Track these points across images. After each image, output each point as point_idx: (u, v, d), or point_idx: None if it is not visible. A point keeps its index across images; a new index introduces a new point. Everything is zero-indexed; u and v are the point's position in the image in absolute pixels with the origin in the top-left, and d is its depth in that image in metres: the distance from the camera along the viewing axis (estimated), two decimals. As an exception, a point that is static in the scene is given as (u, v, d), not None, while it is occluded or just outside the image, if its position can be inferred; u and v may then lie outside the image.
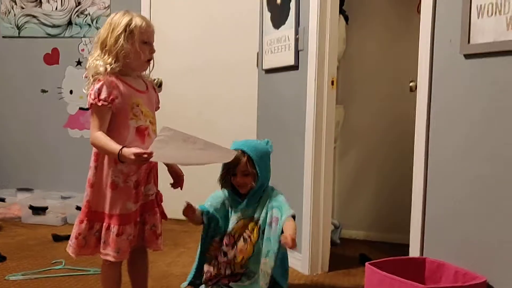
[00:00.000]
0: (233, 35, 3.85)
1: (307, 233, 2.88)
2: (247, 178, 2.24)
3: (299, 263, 2.90)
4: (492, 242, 1.89)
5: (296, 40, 2.87)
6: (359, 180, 3.66)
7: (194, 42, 3.98)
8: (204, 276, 2.34)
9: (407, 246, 2.29)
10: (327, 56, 2.82)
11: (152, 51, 2.00)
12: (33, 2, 4.29)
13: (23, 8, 4.31)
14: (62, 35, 4.26)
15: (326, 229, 2.95)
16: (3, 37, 4.37)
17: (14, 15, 4.32)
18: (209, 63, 3.93)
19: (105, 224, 1.93)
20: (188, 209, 2.21)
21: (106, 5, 4.15)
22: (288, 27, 2.94)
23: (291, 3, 2.91)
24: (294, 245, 2.04)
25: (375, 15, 3.58)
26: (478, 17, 1.92)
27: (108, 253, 1.92)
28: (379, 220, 3.58)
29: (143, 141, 1.94)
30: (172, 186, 2.12)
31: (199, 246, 2.35)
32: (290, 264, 2.93)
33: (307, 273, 2.85)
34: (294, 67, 2.93)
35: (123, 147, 1.82)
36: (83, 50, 4.22)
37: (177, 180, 2.13)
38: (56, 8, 4.24)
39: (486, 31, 1.89)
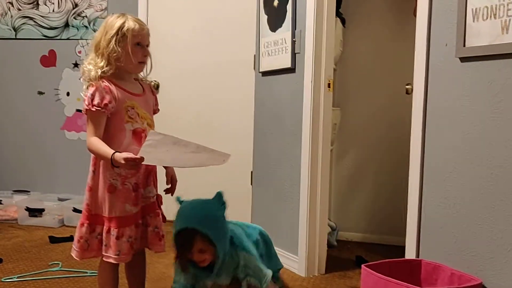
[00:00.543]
0: (231, 36, 3.85)
1: (303, 235, 2.88)
2: (205, 255, 1.95)
3: (296, 265, 2.91)
4: (488, 244, 1.90)
5: (293, 42, 2.88)
6: (355, 182, 3.67)
7: (191, 44, 3.98)
8: None
9: (403, 248, 2.30)
10: (323, 58, 2.83)
11: (145, 53, 2.00)
12: (30, 4, 4.28)
13: (20, 9, 4.30)
14: (59, 37, 4.25)
15: (323, 231, 2.95)
16: (0, 39, 4.37)
17: (11, 16, 4.32)
18: (207, 65, 3.93)
19: (105, 227, 1.94)
20: None
21: (103, 7, 4.15)
22: (285, 29, 2.95)
23: (287, 6, 2.92)
24: None
25: (372, 18, 3.59)
26: (474, 21, 1.93)
27: (110, 256, 1.93)
28: (376, 222, 3.59)
29: (140, 143, 1.93)
30: (164, 191, 2.12)
31: None
32: (286, 266, 2.95)
33: (304, 275, 2.86)
34: (291, 70, 2.94)
35: (115, 152, 1.82)
36: (80, 52, 4.22)
37: (171, 185, 2.14)
38: (53, 10, 4.24)
39: (482, 34, 1.90)
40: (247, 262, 2.05)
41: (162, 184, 2.14)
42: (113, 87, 1.92)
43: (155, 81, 3.96)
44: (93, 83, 1.90)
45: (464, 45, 1.98)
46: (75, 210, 3.83)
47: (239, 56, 3.80)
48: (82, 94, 1.98)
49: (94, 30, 4.14)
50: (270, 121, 3.20)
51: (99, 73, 1.90)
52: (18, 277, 2.69)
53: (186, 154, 1.88)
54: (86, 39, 4.18)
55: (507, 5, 1.81)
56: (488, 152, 1.90)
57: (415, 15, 2.28)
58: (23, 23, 4.31)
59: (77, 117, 4.27)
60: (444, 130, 2.10)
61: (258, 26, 3.25)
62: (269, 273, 2.06)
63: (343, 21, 3.49)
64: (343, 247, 3.45)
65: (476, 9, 1.92)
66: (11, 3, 4.32)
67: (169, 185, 2.13)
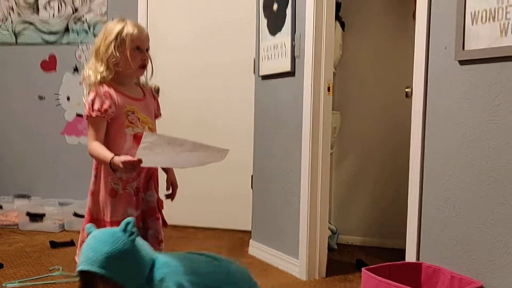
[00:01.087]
0: (230, 39, 3.87)
1: (304, 238, 2.89)
2: None
3: (297, 268, 2.91)
4: (488, 248, 1.90)
5: (293, 46, 2.89)
6: (356, 186, 3.67)
7: (191, 46, 3.99)
8: None
9: (404, 251, 2.30)
10: (323, 62, 2.84)
11: (144, 57, 2.00)
12: (30, 9, 4.30)
13: (20, 15, 4.32)
14: (59, 41, 4.27)
15: (323, 235, 2.96)
16: (0, 44, 4.38)
17: (11, 22, 4.33)
18: (207, 67, 3.94)
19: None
20: None
21: (103, 12, 4.16)
22: (285, 33, 2.96)
23: (287, 10, 2.93)
24: None
25: (371, 21, 3.60)
26: (472, 24, 1.94)
27: None
28: (376, 225, 3.59)
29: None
30: (165, 196, 2.12)
31: None
32: (287, 270, 2.95)
33: (305, 279, 2.86)
34: (291, 74, 2.94)
35: (114, 156, 1.82)
36: (80, 56, 4.23)
37: (171, 191, 2.14)
38: (53, 15, 4.26)
39: (481, 37, 1.91)
40: None
41: (163, 188, 2.14)
42: (113, 92, 1.93)
43: (156, 85, 3.96)
44: (93, 89, 1.92)
45: (463, 48, 1.98)
46: (75, 214, 3.83)
47: (239, 58, 3.81)
48: (83, 99, 1.99)
49: (94, 35, 4.15)
50: (270, 125, 3.21)
51: (99, 79, 1.91)
52: (19, 282, 2.69)
53: (182, 154, 1.85)
54: (86, 44, 4.20)
55: (506, 8, 1.82)
56: (488, 155, 1.90)
57: (414, 19, 2.29)
58: (24, 28, 4.32)
59: (77, 121, 4.28)
60: (444, 133, 2.10)
61: (258, 30, 3.26)
62: None
63: (342, 25, 3.50)
64: (344, 250, 3.45)
65: (475, 12, 1.92)
66: (12, 8, 4.33)
67: (170, 191, 2.13)
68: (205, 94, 3.96)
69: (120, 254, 1.59)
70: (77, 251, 2.00)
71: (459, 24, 1.99)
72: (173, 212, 3.86)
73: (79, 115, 4.25)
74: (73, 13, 4.22)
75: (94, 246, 1.60)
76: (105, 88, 1.92)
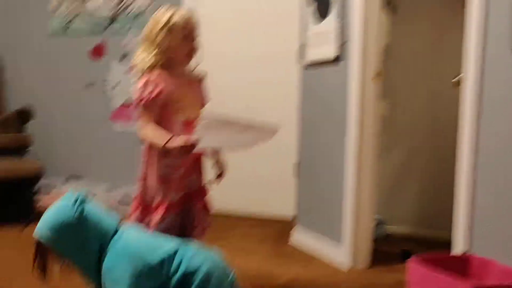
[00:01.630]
0: (276, 26, 3.84)
1: (348, 227, 2.86)
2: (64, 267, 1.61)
3: (340, 257, 2.88)
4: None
5: (340, 32, 2.84)
6: (403, 175, 3.59)
7: (237, 33, 4.00)
8: None
9: (451, 243, 2.24)
10: (371, 48, 2.78)
11: (193, 45, 2.04)
12: (79, -2, 4.40)
13: (70, 4, 4.42)
14: (107, 30, 4.35)
15: (368, 223, 2.91)
16: (52, 33, 4.50)
17: (63, 11, 4.44)
18: (253, 54, 3.94)
19: (152, 215, 1.99)
20: None
21: (150, 0, 4.20)
22: (332, 19, 2.90)
23: (334, -5, 2.87)
24: None
25: (421, 8, 3.49)
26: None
27: None
28: (424, 216, 3.51)
29: (190, 133, 1.97)
30: (212, 180, 2.12)
31: None
32: (330, 258, 2.93)
33: (348, 268, 2.83)
34: (337, 60, 2.90)
35: (170, 138, 1.87)
36: (127, 44, 4.30)
37: (219, 172, 2.14)
38: (102, 4, 4.33)
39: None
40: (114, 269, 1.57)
41: (207, 174, 2.16)
42: (163, 78, 1.96)
43: (203, 71, 3.99)
44: (145, 74, 1.96)
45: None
46: (122, 198, 3.92)
47: (284, 46, 3.76)
48: (133, 85, 2.04)
49: (141, 23, 4.20)
50: (315, 113, 3.17)
51: (151, 64, 1.96)
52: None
53: (235, 134, 1.88)
54: (133, 32, 4.25)
55: None
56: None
57: (465, 6, 2.21)
58: (74, 17, 4.42)
59: (124, 108, 4.36)
60: (497, 121, 2.03)
61: (304, 16, 3.22)
62: None
63: (393, 10, 3.40)
64: (390, 240, 3.39)
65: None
66: (62, -1, 4.44)
67: (216, 172, 2.12)
68: (250, 81, 3.95)
69: (63, 226, 1.54)
70: None
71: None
72: (217, 200, 3.91)
73: (125, 102, 4.33)
74: (121, 1, 4.28)
75: (46, 214, 1.58)
76: (156, 73, 1.95)
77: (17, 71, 4.59)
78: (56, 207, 1.58)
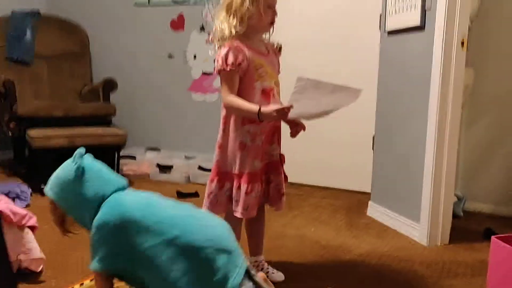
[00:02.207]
0: (358, 11, 3.72)
1: (426, 202, 2.75)
2: (67, 223, 1.66)
3: (417, 233, 2.80)
4: None
5: (424, -2, 2.69)
6: (488, 150, 3.39)
7: (316, 14, 3.90)
8: None
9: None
10: (457, 15, 2.61)
11: (274, 14, 2.01)
12: (161, -30, 4.48)
13: (153, -24, 4.52)
14: (187, 1, 4.41)
15: (448, 200, 2.79)
16: (135, 4, 4.64)
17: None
18: (329, 28, 3.84)
19: (235, 184, 2.01)
20: None
21: (229, -30, 4.20)
22: (415, -16, 2.76)
23: (419, -42, 2.72)
24: None
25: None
26: None
27: (238, 210, 2.01)
28: (508, 193, 3.31)
29: (268, 101, 1.98)
30: (291, 135, 2.05)
31: None
32: (407, 233, 2.84)
33: (425, 245, 2.74)
34: (420, 28, 2.76)
35: (261, 106, 1.87)
36: (206, 15, 4.34)
37: (297, 128, 2.05)
38: (182, -25, 4.39)
39: None
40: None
41: (285, 143, 2.15)
42: (244, 47, 1.95)
43: (278, 42, 3.95)
44: (226, 43, 1.95)
45: None
46: (200, 168, 4.02)
47: (364, 13, 3.66)
48: (210, 54, 2.05)
49: (220, -7, 4.22)
50: (395, 82, 3.06)
51: (233, 33, 1.94)
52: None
53: (324, 97, 1.86)
54: (212, 3, 4.28)
55: None
56: None
57: None
58: (155, -12, 4.52)
59: (203, 79, 4.43)
60: None
61: (386, -19, 3.08)
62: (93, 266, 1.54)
63: (481, -26, 3.18)
64: (471, 218, 3.24)
65: None
66: (145, -30, 4.55)
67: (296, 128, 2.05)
68: (327, 51, 3.86)
69: (63, 182, 1.59)
70: (204, 202, 2.07)
71: None
72: (292, 170, 3.90)
73: (204, 73, 4.40)
74: (200, -28, 4.32)
75: (53, 173, 1.63)
76: (236, 42, 1.94)
77: (101, 43, 4.79)
78: (61, 166, 1.62)
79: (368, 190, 3.41)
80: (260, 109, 1.87)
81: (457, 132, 2.76)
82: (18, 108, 3.84)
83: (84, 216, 1.57)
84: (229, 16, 1.96)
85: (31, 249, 2.13)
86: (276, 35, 2.14)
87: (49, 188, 1.62)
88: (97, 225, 1.52)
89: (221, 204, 2.05)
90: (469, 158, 3.43)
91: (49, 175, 1.64)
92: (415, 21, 2.77)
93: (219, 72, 1.96)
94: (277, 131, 2.09)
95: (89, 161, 1.61)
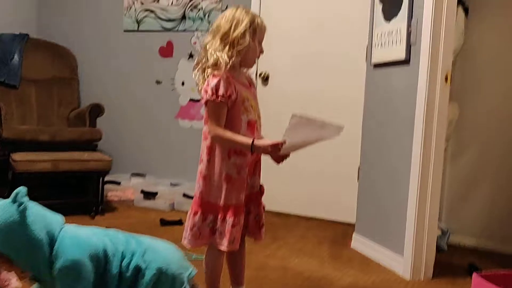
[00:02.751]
0: (342, 26, 3.78)
1: (411, 236, 2.74)
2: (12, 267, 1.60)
3: (401, 266, 2.78)
4: None
5: (409, 33, 2.73)
6: (472, 183, 3.41)
7: (302, 34, 3.95)
8: None
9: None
10: (441, 50, 2.65)
11: (262, 49, 2.03)
12: (151, -3, 4.52)
13: (142, 3, 4.55)
14: (176, 28, 4.44)
15: (431, 233, 2.79)
16: (124, 31, 4.66)
17: (135, 10, 4.59)
18: (316, 58, 3.89)
19: (220, 216, 1.97)
20: None
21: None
22: (400, 19, 2.81)
23: (404, -6, 2.77)
24: None
25: (498, 7, 3.30)
26: None
27: (223, 244, 1.96)
28: (492, 228, 3.32)
29: (253, 134, 1.98)
30: (277, 162, 2.04)
31: None
32: (390, 267, 2.83)
33: (408, 278, 2.72)
34: (405, 62, 2.79)
35: (253, 139, 1.87)
36: (195, 43, 4.37)
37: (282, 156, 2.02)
38: (172, 3, 4.43)
39: None
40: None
41: (271, 173, 2.14)
42: (231, 79, 1.94)
43: (265, 71, 3.99)
44: (216, 73, 1.91)
45: None
46: (185, 195, 3.99)
47: (350, 49, 3.71)
48: (195, 79, 2.01)
49: (209, 22, 4.27)
50: (380, 115, 3.08)
51: (229, 64, 1.91)
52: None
53: (313, 132, 1.88)
54: (201, 31, 4.32)
55: None
56: None
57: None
58: (145, 16, 4.55)
59: (190, 106, 4.44)
60: None
61: (372, 15, 3.13)
62: None
63: (466, 10, 3.24)
64: (455, 252, 3.23)
65: None
66: (135, -3, 4.59)
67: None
68: (314, 86, 3.90)
69: (5, 226, 1.46)
70: (185, 235, 2.02)
71: None
72: (278, 200, 3.91)
73: (192, 100, 4.41)
74: (190, 0, 4.36)
75: None
76: (227, 73, 1.92)
77: (90, 67, 4.79)
78: None
79: (353, 221, 3.40)
80: (253, 142, 1.87)
81: (441, 165, 2.77)
82: (3, 131, 3.81)
83: (37, 259, 1.49)
84: (225, 46, 1.93)
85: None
86: (265, 63, 2.15)
87: None
88: (68, 265, 1.48)
89: (204, 237, 2.01)
90: (453, 192, 3.45)
91: (32, 200, 1.57)
92: (400, 55, 2.81)
93: (207, 102, 1.92)
94: (258, 162, 2.08)
95: (28, 200, 1.51)
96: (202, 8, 4.32)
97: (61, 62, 4.64)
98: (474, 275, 1.90)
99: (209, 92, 1.89)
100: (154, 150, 4.61)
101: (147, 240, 1.72)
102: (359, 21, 3.47)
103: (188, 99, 4.45)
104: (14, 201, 1.47)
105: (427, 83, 2.66)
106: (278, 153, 1.89)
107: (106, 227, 3.31)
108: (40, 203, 1.59)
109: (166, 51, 4.51)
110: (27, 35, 4.58)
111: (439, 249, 2.96)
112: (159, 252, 1.67)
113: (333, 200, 3.85)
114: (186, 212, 3.97)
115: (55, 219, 1.58)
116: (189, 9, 4.37)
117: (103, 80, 4.78)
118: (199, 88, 2.00)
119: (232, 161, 1.96)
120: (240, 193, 1.98)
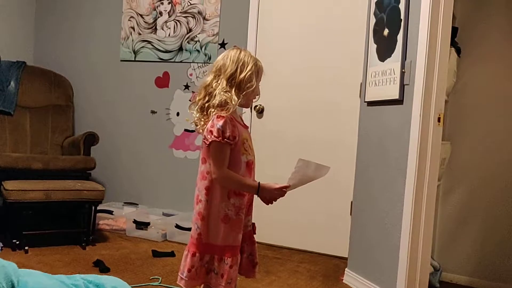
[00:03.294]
0: (338, 62, 3.84)
1: (403, 273, 2.75)
2: None
3: (394, 305, 2.78)
4: None
5: (402, 74, 2.79)
6: (464, 221, 3.44)
7: (296, 80, 4.01)
8: None
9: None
10: (434, 91, 2.70)
11: (259, 92, 2.07)
12: (149, 28, 4.58)
13: (140, 34, 4.61)
14: (173, 60, 4.49)
15: (424, 271, 2.80)
16: (121, 60, 4.71)
17: (132, 40, 4.65)
18: (311, 102, 3.95)
19: (217, 256, 1.97)
20: None
21: (215, 33, 4.32)
22: (394, 60, 2.87)
23: (398, 36, 2.84)
24: None
25: (489, 48, 3.38)
26: None
27: (220, 284, 1.95)
28: (485, 265, 3.33)
29: (250, 174, 2.01)
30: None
31: None
32: (383, 305, 2.82)
33: (402, 317, 2.72)
34: (399, 101, 2.84)
35: (259, 182, 1.93)
36: (191, 74, 4.42)
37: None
38: (169, 35, 4.50)
39: None
40: None
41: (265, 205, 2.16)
42: (234, 120, 1.96)
43: (260, 105, 4.04)
44: (222, 114, 1.91)
45: None
46: (177, 226, 3.98)
47: (345, 82, 3.78)
48: (194, 120, 2.03)
49: (205, 55, 4.32)
50: (374, 153, 3.12)
51: (236, 106, 1.94)
52: (122, 289, 2.83)
53: (310, 173, 1.97)
54: (197, 63, 4.38)
55: None
56: None
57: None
58: (142, 46, 4.61)
59: (185, 136, 4.46)
60: None
61: (366, 54, 3.20)
62: None
63: (458, 51, 3.32)
64: (447, 289, 3.25)
65: None
66: (133, 28, 4.65)
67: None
68: (309, 114, 3.95)
69: None
70: (181, 276, 1.99)
71: None
72: (271, 232, 3.91)
73: (186, 130, 4.44)
74: (187, 33, 4.43)
75: None
76: (230, 115, 1.93)
77: (85, 96, 4.82)
78: None
79: (344, 255, 3.41)
80: (259, 184, 1.92)
81: (433, 204, 2.80)
82: (-4, 159, 3.80)
83: None
84: (232, 88, 1.94)
85: None
86: (260, 99, 2.19)
87: None
88: None
89: (200, 277, 2.00)
90: (445, 228, 3.47)
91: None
92: (394, 94, 2.86)
93: (212, 143, 1.90)
94: (252, 202, 2.10)
95: None
96: (199, 40, 4.38)
97: (57, 90, 4.67)
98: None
99: (215, 133, 1.89)
100: (147, 179, 4.61)
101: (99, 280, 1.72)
102: (355, 56, 3.54)
103: (183, 130, 4.47)
104: None
105: (420, 123, 2.70)
106: (282, 196, 1.96)
107: (98, 258, 3.32)
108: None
109: (162, 81, 4.55)
110: (24, 62, 4.60)
111: (431, 286, 2.97)
112: None
113: (325, 233, 3.86)
114: (178, 243, 3.99)
115: (9, 265, 1.54)
116: (186, 41, 4.43)
117: (98, 108, 4.81)
118: (198, 128, 2.02)
119: (232, 202, 1.96)
120: (238, 234, 1.99)
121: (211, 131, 1.90)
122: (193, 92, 4.38)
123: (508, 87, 3.33)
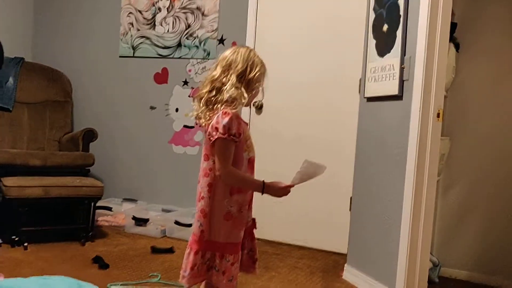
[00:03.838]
0: (337, 57, 3.84)
1: (402, 268, 2.75)
2: None
3: (393, 300, 2.79)
4: None
5: (401, 69, 2.79)
6: (463, 216, 3.44)
7: (297, 64, 4.01)
8: None
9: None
10: (433, 87, 2.70)
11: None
12: (148, 24, 4.57)
13: (138, 30, 4.60)
14: (171, 55, 4.48)
15: (423, 266, 2.80)
16: (120, 56, 4.70)
17: (131, 36, 4.64)
18: (312, 84, 3.95)
19: (218, 254, 1.95)
20: None
21: (214, 28, 4.31)
22: (393, 55, 2.87)
23: (397, 31, 2.83)
24: None
25: (488, 43, 3.38)
26: None
27: (222, 281, 1.93)
28: (484, 260, 3.34)
29: (252, 171, 2.00)
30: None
31: None
32: (383, 300, 2.83)
33: (401, 312, 2.73)
34: (398, 97, 2.84)
35: (263, 181, 1.91)
36: (190, 70, 4.41)
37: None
38: (168, 31, 4.49)
39: None
40: None
41: (265, 201, 2.16)
42: (239, 117, 1.94)
43: (260, 100, 4.03)
44: (228, 111, 1.87)
45: None
46: (176, 222, 3.98)
47: (345, 77, 3.77)
48: (197, 112, 2.01)
49: (204, 50, 4.32)
50: (373, 148, 3.12)
51: (245, 103, 1.94)
52: (121, 285, 2.83)
53: (311, 173, 1.96)
54: (196, 59, 4.37)
55: None
56: None
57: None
58: (141, 42, 4.60)
59: (184, 132, 4.46)
60: None
61: (366, 50, 3.19)
62: None
63: (457, 46, 3.32)
64: (446, 285, 3.25)
65: None
66: (132, 24, 4.63)
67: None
68: (308, 112, 3.95)
69: None
70: (183, 274, 1.97)
71: None
72: (270, 228, 3.91)
73: (186, 126, 4.43)
74: (186, 29, 4.42)
75: None
76: (236, 112, 1.90)
77: (84, 92, 4.81)
78: None
79: (344, 250, 3.41)
80: (264, 183, 1.90)
81: (433, 199, 2.80)
82: (-7, 155, 3.79)
83: None
84: (242, 85, 1.93)
85: None
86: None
87: None
88: None
89: (201, 274, 1.98)
90: (444, 223, 3.48)
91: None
92: (393, 90, 2.85)
93: (218, 139, 1.86)
94: (252, 198, 2.08)
95: None
96: (197, 36, 4.37)
97: (55, 86, 4.66)
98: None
99: (221, 130, 1.85)
100: (146, 175, 4.61)
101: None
102: (355, 51, 3.53)
103: (182, 125, 4.47)
104: None
105: (420, 118, 2.70)
106: (286, 195, 1.95)
107: (97, 255, 3.32)
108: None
109: (161, 77, 4.54)
110: (22, 58, 4.59)
111: (430, 281, 2.98)
112: None
113: (324, 229, 3.86)
114: (178, 239, 3.98)
115: None
116: (184, 37, 4.42)
117: (97, 104, 4.80)
118: (202, 121, 1.96)
119: (234, 199, 1.94)
120: (240, 231, 1.98)
121: (216, 128, 1.86)
122: (192, 88, 4.37)
123: (506, 82, 3.33)
